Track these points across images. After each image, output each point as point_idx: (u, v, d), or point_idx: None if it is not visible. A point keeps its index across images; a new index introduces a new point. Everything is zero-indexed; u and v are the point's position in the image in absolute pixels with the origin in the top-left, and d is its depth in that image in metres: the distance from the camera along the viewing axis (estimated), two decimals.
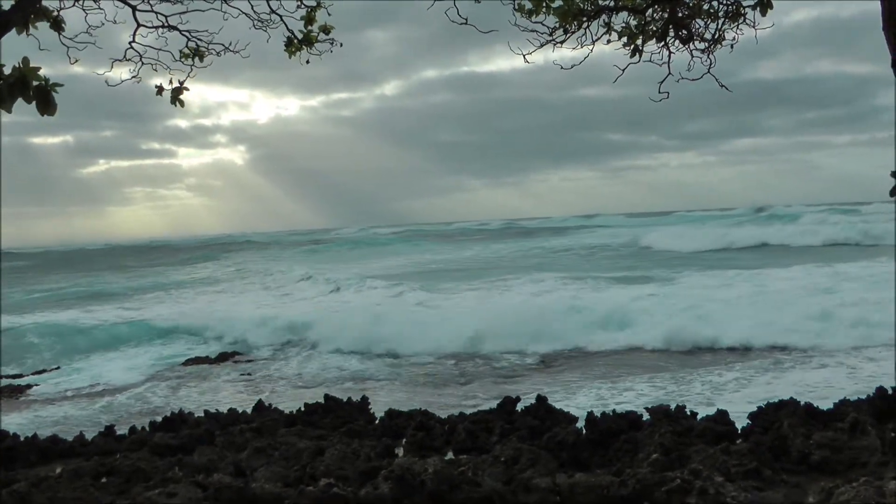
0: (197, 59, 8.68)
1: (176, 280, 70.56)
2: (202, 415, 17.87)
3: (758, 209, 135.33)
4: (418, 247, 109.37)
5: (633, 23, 8.25)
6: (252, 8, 8.72)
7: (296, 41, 9.00)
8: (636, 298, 37.43)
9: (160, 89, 8.45)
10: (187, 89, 8.50)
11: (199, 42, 8.64)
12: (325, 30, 8.99)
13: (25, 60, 5.33)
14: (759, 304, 33.47)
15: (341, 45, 9.15)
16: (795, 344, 26.52)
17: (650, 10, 8.21)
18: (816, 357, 25.14)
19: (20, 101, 5.42)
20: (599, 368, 25.96)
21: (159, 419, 17.72)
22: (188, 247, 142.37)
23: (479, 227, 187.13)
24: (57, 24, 7.41)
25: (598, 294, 41.27)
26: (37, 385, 26.89)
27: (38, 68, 5.38)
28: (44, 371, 29.73)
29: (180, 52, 8.62)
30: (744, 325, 29.00)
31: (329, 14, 8.95)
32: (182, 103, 8.46)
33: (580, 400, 20.07)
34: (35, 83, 5.37)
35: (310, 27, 8.99)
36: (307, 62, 9.18)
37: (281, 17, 8.84)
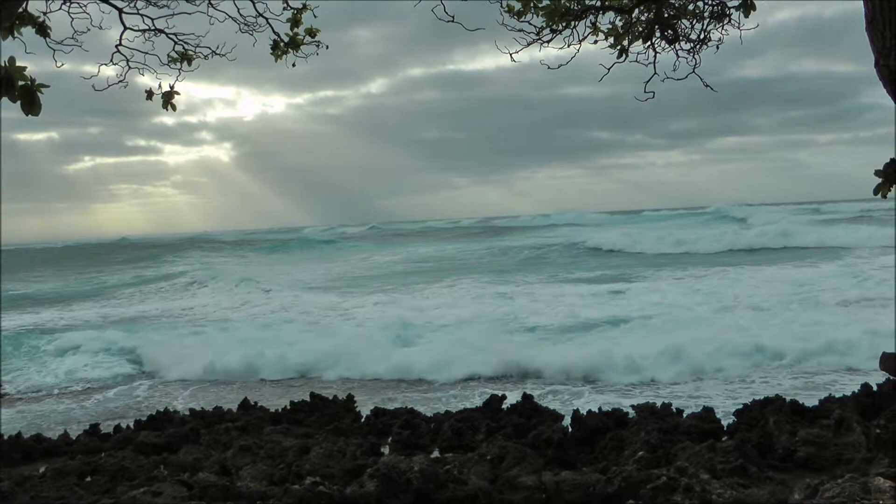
0: (185, 63, 8.66)
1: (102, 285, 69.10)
2: (187, 413, 17.84)
3: (731, 207, 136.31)
4: (372, 246, 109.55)
5: (619, 23, 8.27)
6: (238, 11, 8.70)
7: (282, 44, 8.99)
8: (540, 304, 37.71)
9: (150, 94, 8.44)
10: (178, 93, 8.49)
11: (185, 45, 8.63)
12: (311, 33, 8.97)
13: (11, 60, 5.32)
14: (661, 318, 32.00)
15: (327, 47, 9.12)
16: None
17: (636, 11, 8.23)
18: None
19: (5, 99, 5.42)
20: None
21: (144, 417, 17.71)
22: (150, 245, 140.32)
23: (452, 226, 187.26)
24: (42, 30, 7.39)
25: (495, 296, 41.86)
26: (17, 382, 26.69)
27: (24, 68, 5.37)
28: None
29: (168, 55, 8.61)
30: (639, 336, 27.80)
31: (315, 16, 8.93)
32: (174, 107, 8.46)
33: (477, 401, 19.60)
34: (21, 83, 5.36)
35: (296, 30, 8.97)
36: (293, 65, 9.17)
37: (267, 20, 8.83)
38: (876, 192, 5.93)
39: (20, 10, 6.63)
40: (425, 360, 25.33)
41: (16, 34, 6.75)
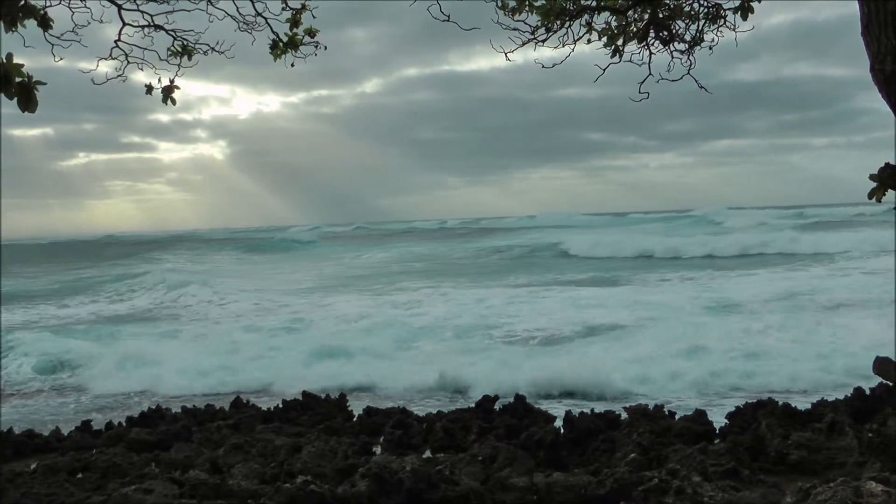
0: (185, 58, 8.66)
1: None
2: (179, 410, 17.82)
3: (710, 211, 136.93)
4: (349, 247, 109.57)
5: (614, 23, 8.28)
6: (238, 10, 8.69)
7: (281, 44, 8.97)
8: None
9: (150, 88, 8.43)
10: (178, 87, 8.48)
11: (185, 42, 8.62)
12: (311, 33, 8.96)
13: (9, 56, 5.32)
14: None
15: (325, 48, 9.11)
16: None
17: (631, 11, 8.24)
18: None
19: (1, 95, 5.42)
20: None
21: (136, 414, 17.68)
22: (133, 243, 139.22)
23: (437, 226, 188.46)
24: (44, 22, 7.36)
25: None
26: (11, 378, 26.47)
27: (22, 65, 5.37)
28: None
29: (168, 50, 8.59)
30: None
31: (314, 17, 8.92)
32: (174, 101, 8.45)
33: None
34: (18, 80, 5.36)
35: (295, 30, 8.96)
36: (292, 65, 9.15)
37: (266, 19, 8.81)
38: (871, 195, 5.94)
39: (21, 2, 6.62)
40: (375, 370, 24.60)
41: (19, 27, 6.74)
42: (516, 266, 67.65)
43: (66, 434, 16.56)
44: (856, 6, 5.98)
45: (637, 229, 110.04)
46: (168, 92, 8.44)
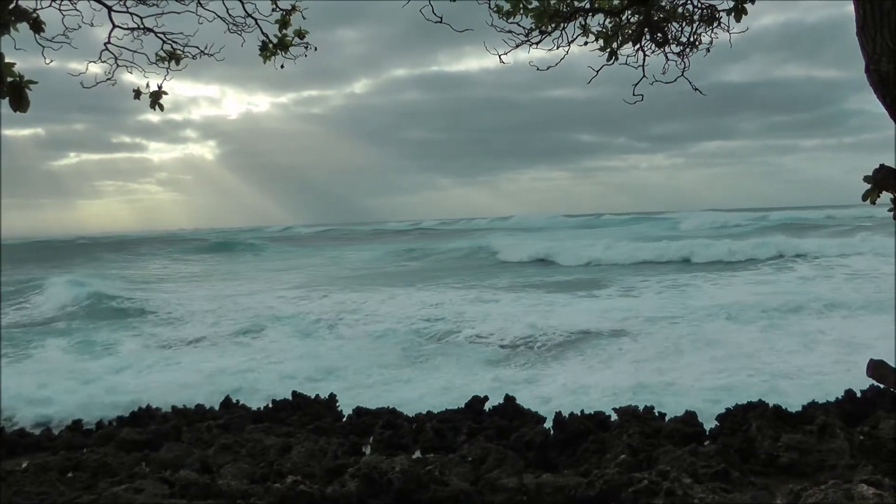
0: (173, 62, 8.63)
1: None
2: (170, 410, 17.79)
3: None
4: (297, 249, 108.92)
5: (608, 25, 8.25)
6: (227, 11, 8.66)
7: (270, 45, 8.95)
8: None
9: (138, 93, 8.40)
10: (166, 93, 8.45)
11: (174, 45, 8.59)
12: (300, 34, 8.93)
13: (0, 56, 5.30)
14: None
15: (315, 49, 9.08)
16: None
17: (626, 13, 8.21)
18: None
19: None
20: None
21: (127, 414, 17.64)
22: (99, 244, 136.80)
23: (411, 227, 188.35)
24: (37, 25, 7.34)
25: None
26: None
27: (13, 64, 5.35)
28: None
29: (156, 55, 8.57)
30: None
31: (304, 18, 8.90)
32: (162, 107, 8.42)
33: None
34: (9, 79, 5.35)
35: (284, 31, 8.93)
36: (282, 66, 9.12)
37: (256, 20, 8.78)
38: (864, 197, 5.92)
39: (12, 6, 6.61)
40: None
41: (12, 30, 6.72)
42: (441, 269, 66.28)
43: (56, 433, 16.53)
44: (847, 7, 5.97)
45: (590, 233, 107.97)
46: (156, 97, 8.41)
